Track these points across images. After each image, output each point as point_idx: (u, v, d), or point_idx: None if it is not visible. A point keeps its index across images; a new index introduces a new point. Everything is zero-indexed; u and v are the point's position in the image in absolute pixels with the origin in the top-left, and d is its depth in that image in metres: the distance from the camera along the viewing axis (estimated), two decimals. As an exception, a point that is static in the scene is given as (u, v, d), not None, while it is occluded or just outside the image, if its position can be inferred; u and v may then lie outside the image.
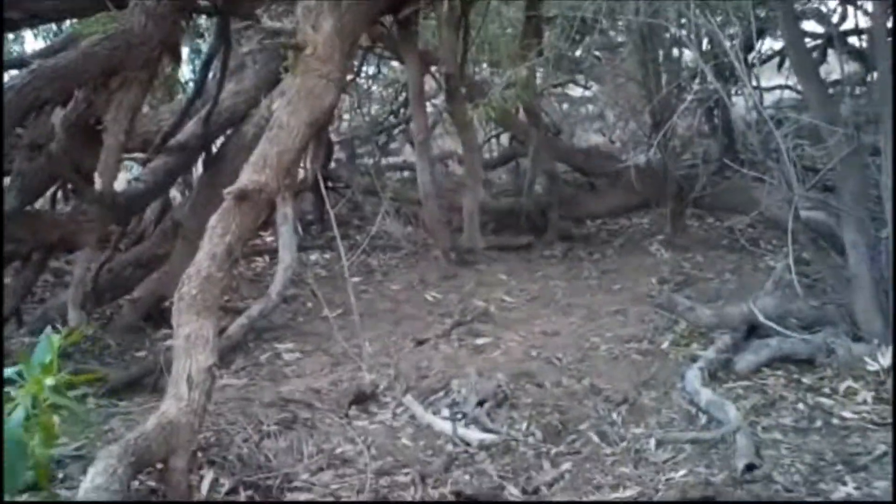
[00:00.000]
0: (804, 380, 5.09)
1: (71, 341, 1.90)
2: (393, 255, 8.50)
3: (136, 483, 4.08)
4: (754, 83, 7.66)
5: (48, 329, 2.06)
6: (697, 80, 8.26)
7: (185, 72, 8.65)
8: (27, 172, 5.43)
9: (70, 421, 1.94)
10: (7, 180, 5.61)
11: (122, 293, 6.63)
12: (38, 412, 1.82)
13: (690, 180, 8.37)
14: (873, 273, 5.22)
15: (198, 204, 6.40)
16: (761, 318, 5.37)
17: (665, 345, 5.76)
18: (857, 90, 8.30)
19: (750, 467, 4.10)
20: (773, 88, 10.27)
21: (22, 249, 5.64)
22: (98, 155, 5.40)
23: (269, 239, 8.90)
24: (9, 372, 1.93)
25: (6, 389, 1.84)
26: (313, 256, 8.60)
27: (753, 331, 5.56)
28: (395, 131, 11.10)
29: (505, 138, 11.09)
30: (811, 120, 5.52)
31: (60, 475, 4.39)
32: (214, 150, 6.65)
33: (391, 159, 11.18)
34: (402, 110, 10.70)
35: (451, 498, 4.09)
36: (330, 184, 7.23)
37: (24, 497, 3.81)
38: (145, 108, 6.17)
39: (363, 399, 5.17)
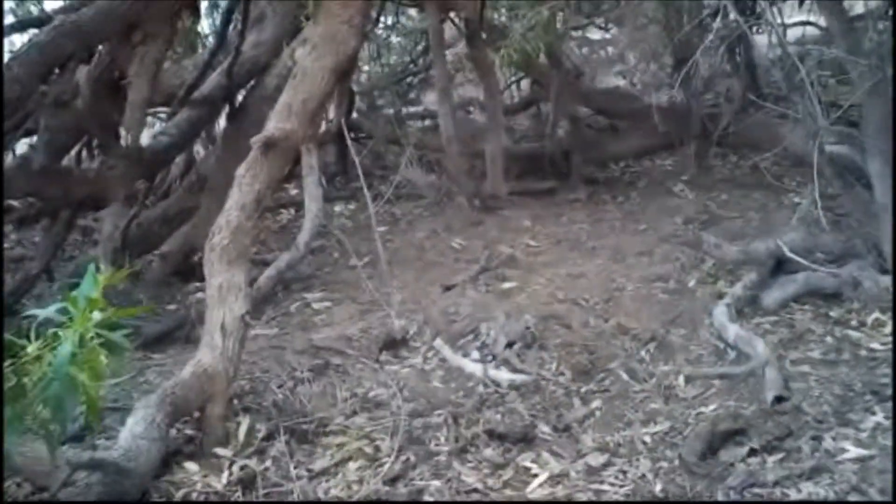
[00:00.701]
0: (831, 313, 5.10)
1: (114, 281, 1.93)
2: (417, 204, 8.50)
3: (173, 431, 4.18)
4: (777, 19, 7.54)
5: (91, 267, 2.08)
6: (719, 18, 8.23)
7: (205, 25, 8.63)
8: (53, 129, 5.46)
9: (115, 360, 1.97)
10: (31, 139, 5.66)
11: (151, 248, 6.68)
12: (83, 350, 1.85)
13: (714, 119, 8.30)
14: (899, 204, 5.20)
15: (223, 156, 6.42)
16: (788, 253, 5.36)
17: (692, 283, 5.78)
18: (881, 24, 8.21)
19: (779, 399, 4.14)
20: (796, 24, 10.13)
21: (51, 206, 5.69)
22: (123, 110, 5.43)
23: (293, 192, 8.93)
24: (49, 311, 1.96)
25: (51, 329, 1.88)
26: (338, 208, 8.62)
27: (780, 266, 5.55)
28: (415, 80, 11.04)
29: (525, 84, 11.02)
30: (835, 53, 5.48)
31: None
32: (237, 102, 6.66)
33: (411, 109, 11.14)
34: (421, 59, 10.64)
35: (483, 437, 4.14)
36: (352, 134, 7.21)
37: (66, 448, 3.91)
38: (167, 63, 6.18)
39: (394, 344, 5.23)
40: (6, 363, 1.87)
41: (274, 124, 4.51)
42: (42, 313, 1.93)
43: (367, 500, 3.68)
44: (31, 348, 1.88)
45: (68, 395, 1.82)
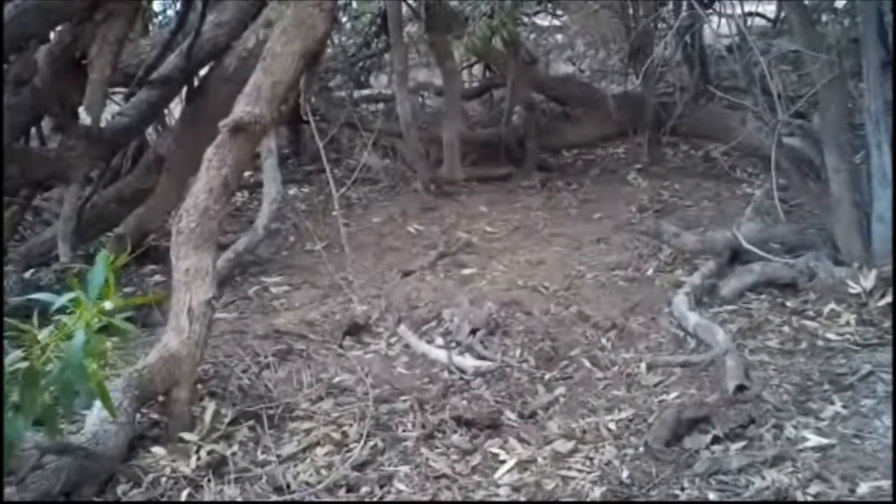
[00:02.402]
0: (788, 303, 5.19)
1: (118, 264, 1.92)
2: (372, 188, 8.50)
3: (138, 416, 4.14)
4: (738, 10, 7.63)
5: (104, 253, 2.06)
6: (671, 4, 8.31)
7: (155, 5, 8.50)
8: (13, 108, 5.37)
9: (124, 348, 1.97)
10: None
11: (106, 229, 6.59)
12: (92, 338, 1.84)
13: (667, 108, 8.40)
14: (854, 197, 5.30)
15: (181, 137, 6.35)
16: (744, 244, 5.44)
17: (650, 271, 5.85)
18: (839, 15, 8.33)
19: (740, 388, 4.20)
20: (748, 16, 10.26)
21: (9, 186, 5.59)
22: (83, 89, 5.35)
23: (247, 174, 8.86)
24: (48, 298, 1.95)
25: (56, 316, 1.86)
26: (292, 191, 8.58)
27: (737, 256, 5.64)
28: (367, 62, 11.00)
29: (478, 69, 11.05)
30: (793, 46, 5.56)
31: (62, 411, 4.44)
32: (196, 83, 6.59)
33: (364, 91, 11.09)
34: (374, 41, 10.60)
35: (450, 423, 4.17)
36: (306, 117, 7.17)
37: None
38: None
39: (357, 330, 5.23)
40: (19, 350, 1.85)
41: (242, 108, 4.46)
42: (49, 298, 1.91)
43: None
44: (43, 336, 1.87)
45: (80, 383, 1.81)
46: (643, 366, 4.66)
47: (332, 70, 10.15)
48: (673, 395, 4.33)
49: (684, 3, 7.27)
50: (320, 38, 4.62)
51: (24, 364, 1.86)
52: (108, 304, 1.87)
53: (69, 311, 1.97)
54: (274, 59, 4.54)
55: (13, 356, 1.85)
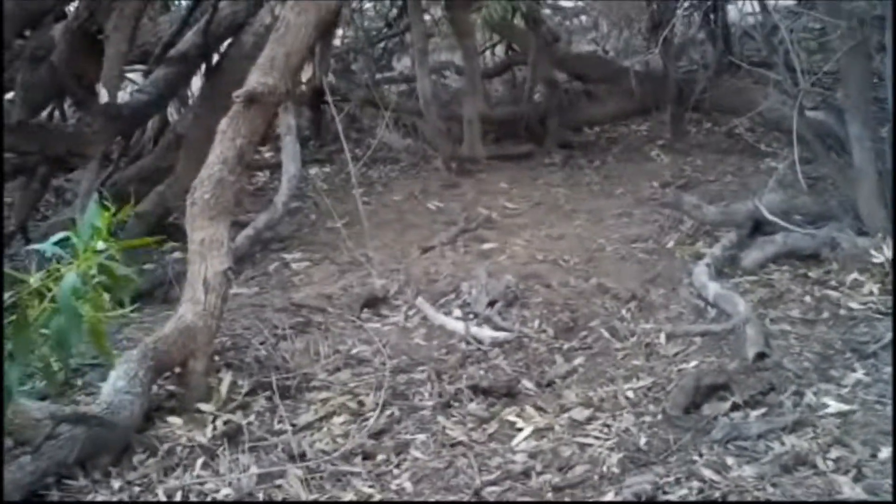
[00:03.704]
0: (810, 274, 5.13)
1: (121, 217, 1.90)
2: (393, 167, 8.47)
3: (155, 387, 4.15)
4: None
5: (96, 196, 2.05)
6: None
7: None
8: (30, 84, 5.38)
9: (121, 292, 1.95)
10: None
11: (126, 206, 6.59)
12: (87, 283, 1.82)
13: (689, 84, 8.32)
14: (877, 167, 5.23)
15: (199, 115, 6.36)
16: (766, 215, 5.39)
17: (670, 244, 5.80)
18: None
19: (761, 355, 4.17)
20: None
21: (28, 162, 5.61)
22: (100, 66, 5.36)
23: (267, 154, 8.89)
24: (44, 246, 1.93)
25: (53, 266, 1.85)
26: (313, 170, 8.56)
27: (758, 228, 5.58)
28: (389, 44, 10.97)
29: (500, 50, 10.99)
30: (815, 15, 5.49)
31: (79, 382, 4.47)
32: (214, 60, 6.58)
33: (385, 74, 11.07)
34: (395, 23, 10.57)
35: (467, 392, 4.15)
36: (327, 97, 7.17)
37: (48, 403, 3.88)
38: (143, 20, 6.09)
39: (375, 303, 5.23)
40: (9, 294, 1.83)
41: (256, 78, 4.46)
42: (45, 247, 1.90)
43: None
44: (33, 280, 1.84)
45: (73, 328, 1.78)
46: (662, 336, 4.62)
47: (354, 51, 10.13)
48: (692, 364, 4.29)
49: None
50: (333, 9, 4.61)
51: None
52: (100, 245, 1.84)
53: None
54: (287, 30, 4.53)
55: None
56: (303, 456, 3.72)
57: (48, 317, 1.80)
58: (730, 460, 3.49)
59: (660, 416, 3.87)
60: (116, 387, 3.82)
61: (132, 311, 4.89)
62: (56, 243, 1.92)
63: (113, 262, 1.89)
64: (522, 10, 6.57)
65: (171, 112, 8.43)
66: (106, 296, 1.92)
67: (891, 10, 4.91)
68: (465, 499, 3.46)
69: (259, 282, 5.85)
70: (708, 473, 3.41)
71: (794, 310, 4.75)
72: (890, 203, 5.10)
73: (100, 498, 3.53)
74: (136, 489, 3.59)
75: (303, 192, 7.50)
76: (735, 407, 3.86)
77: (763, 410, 3.82)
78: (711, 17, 9.55)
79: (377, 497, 3.50)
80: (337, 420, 4.02)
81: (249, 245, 6.09)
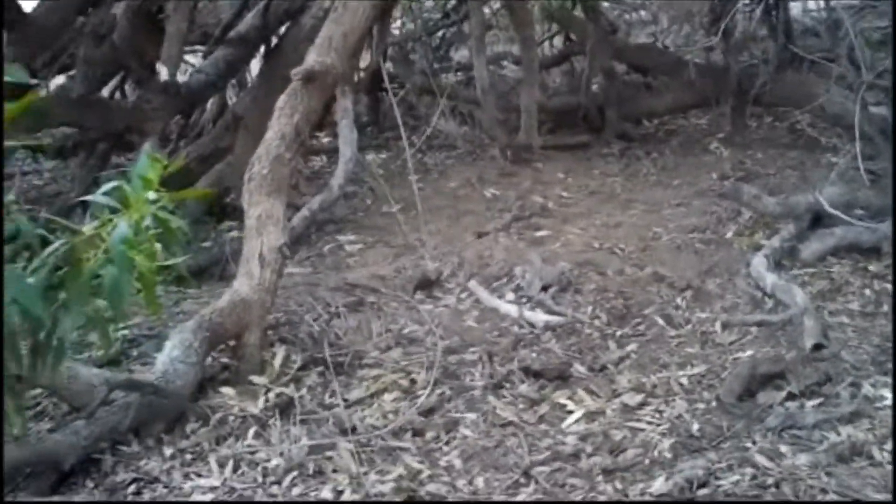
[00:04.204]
0: (870, 267, 5.05)
1: (172, 169, 1.91)
2: (448, 155, 8.46)
3: (209, 360, 4.19)
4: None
5: (147, 146, 2.07)
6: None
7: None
8: (91, 61, 5.45)
9: (172, 242, 1.95)
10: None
11: (186, 186, 6.64)
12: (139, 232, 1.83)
13: (750, 77, 8.22)
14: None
15: (258, 96, 6.40)
16: (827, 207, 5.30)
17: (728, 234, 5.73)
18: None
19: (818, 346, 4.11)
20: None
21: (88, 137, 5.68)
22: (160, 44, 5.41)
23: (325, 139, 8.92)
24: (95, 197, 1.94)
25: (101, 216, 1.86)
26: (370, 156, 8.58)
27: (818, 221, 5.49)
28: (448, 33, 10.95)
29: (558, 42, 10.94)
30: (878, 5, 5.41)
31: (135, 353, 4.53)
32: (273, 42, 6.62)
33: (443, 64, 11.06)
34: (453, 12, 10.55)
35: (518, 374, 4.14)
36: (385, 83, 7.18)
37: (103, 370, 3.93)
38: (203, 1, 6.15)
39: (428, 284, 5.22)
40: (59, 242, 1.84)
41: (314, 57, 4.48)
42: (96, 198, 1.90)
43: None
44: (86, 229, 1.85)
45: (124, 277, 1.78)
46: (718, 325, 4.57)
47: (412, 40, 10.13)
48: (748, 353, 4.25)
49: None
50: (392, -9, 4.61)
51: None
52: (151, 195, 1.85)
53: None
54: (345, 10, 4.55)
55: (54, 247, 1.83)
56: (353, 430, 3.74)
57: (101, 265, 1.81)
58: (784, 448, 3.45)
59: (713, 404, 3.84)
60: (171, 356, 3.87)
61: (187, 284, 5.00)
62: (107, 193, 1.91)
63: (166, 212, 1.88)
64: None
65: (230, 95, 8.52)
66: (158, 246, 1.91)
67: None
68: (514, 478, 3.45)
69: (313, 262, 5.88)
70: (761, 460, 3.37)
71: (853, 302, 4.69)
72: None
73: (152, 463, 3.58)
74: (188, 457, 3.64)
75: (359, 176, 7.50)
76: (790, 396, 3.81)
77: (819, 401, 3.78)
78: (773, 12, 9.47)
79: (426, 473, 3.50)
80: (388, 397, 4.03)
81: (305, 226, 6.11)
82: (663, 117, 9.08)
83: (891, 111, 4.90)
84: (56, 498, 3.35)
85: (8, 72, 1.82)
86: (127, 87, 7.22)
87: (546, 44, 10.79)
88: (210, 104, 7.56)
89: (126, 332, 4.67)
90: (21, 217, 1.79)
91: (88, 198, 2.01)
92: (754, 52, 9.52)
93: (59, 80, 6.28)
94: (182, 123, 6.42)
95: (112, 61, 5.73)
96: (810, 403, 3.76)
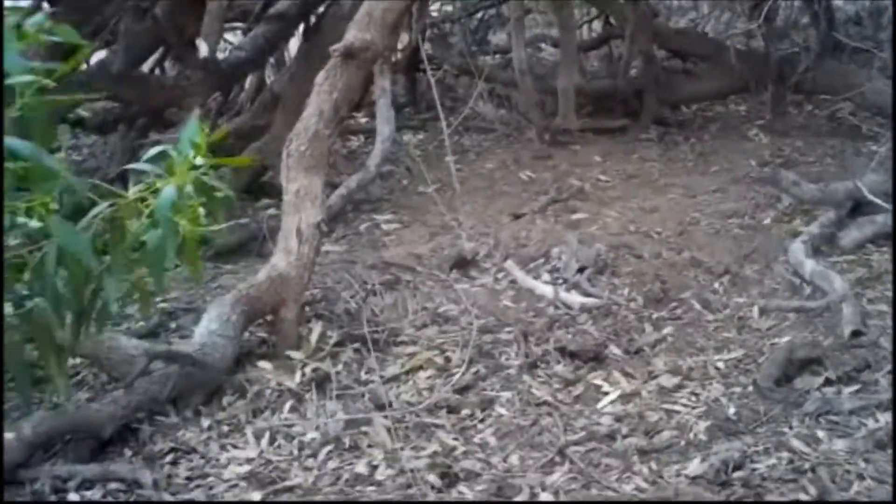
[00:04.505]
0: (910, 255, 5.00)
1: (216, 138, 1.91)
2: (485, 137, 8.42)
3: (246, 334, 4.22)
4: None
5: (196, 112, 2.07)
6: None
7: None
8: (132, 35, 5.48)
9: (216, 207, 1.96)
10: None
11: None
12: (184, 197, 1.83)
13: (791, 64, 8.15)
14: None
15: (296, 74, 6.40)
16: (867, 195, 5.25)
17: (767, 220, 5.68)
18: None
19: (856, 333, 4.08)
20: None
21: (128, 112, 5.72)
22: (201, 20, 5.43)
23: (362, 119, 8.92)
24: (140, 165, 1.95)
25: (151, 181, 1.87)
26: (406, 137, 8.56)
27: (858, 208, 5.43)
28: (486, 15, 10.92)
29: (597, 26, 10.88)
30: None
31: (173, 325, 4.57)
32: (313, 20, 6.62)
33: (481, 46, 11.03)
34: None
35: (554, 354, 4.14)
36: (423, 61, 7.16)
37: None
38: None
39: (464, 264, 5.22)
40: (105, 205, 1.85)
41: (353, 34, 4.48)
42: (143, 167, 1.92)
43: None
44: (131, 192, 1.87)
45: (169, 240, 1.80)
46: (755, 310, 4.55)
47: (451, 21, 10.12)
48: (785, 338, 4.23)
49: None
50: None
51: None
52: (198, 160, 1.85)
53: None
54: (386, -14, 4.53)
55: (99, 209, 1.84)
56: (389, 406, 3.76)
57: (144, 230, 1.82)
58: (821, 433, 3.45)
59: (750, 388, 3.83)
60: (210, 329, 3.91)
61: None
62: (151, 160, 1.93)
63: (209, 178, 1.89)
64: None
65: (268, 75, 8.54)
66: (201, 211, 1.92)
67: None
68: (549, 456, 3.46)
69: (350, 240, 5.89)
70: (798, 445, 3.37)
71: (891, 290, 4.63)
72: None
73: (190, 434, 3.62)
74: (225, 428, 3.67)
75: (396, 156, 7.51)
76: (828, 382, 3.80)
77: (857, 387, 3.77)
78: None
79: (461, 449, 3.51)
80: (423, 374, 4.05)
81: (341, 205, 6.12)
82: (702, 103, 8.99)
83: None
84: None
85: (59, 33, 1.83)
86: (166, 65, 7.25)
87: (584, 27, 10.76)
88: (248, 82, 7.58)
89: (165, 305, 4.72)
90: (71, 176, 1.80)
91: (132, 166, 2.02)
92: (795, 39, 9.45)
93: (101, 55, 6.31)
94: (221, 101, 6.42)
95: (153, 36, 5.76)
96: (848, 390, 3.75)
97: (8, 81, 1.66)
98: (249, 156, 6.43)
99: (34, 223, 1.74)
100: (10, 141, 1.67)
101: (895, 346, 3.93)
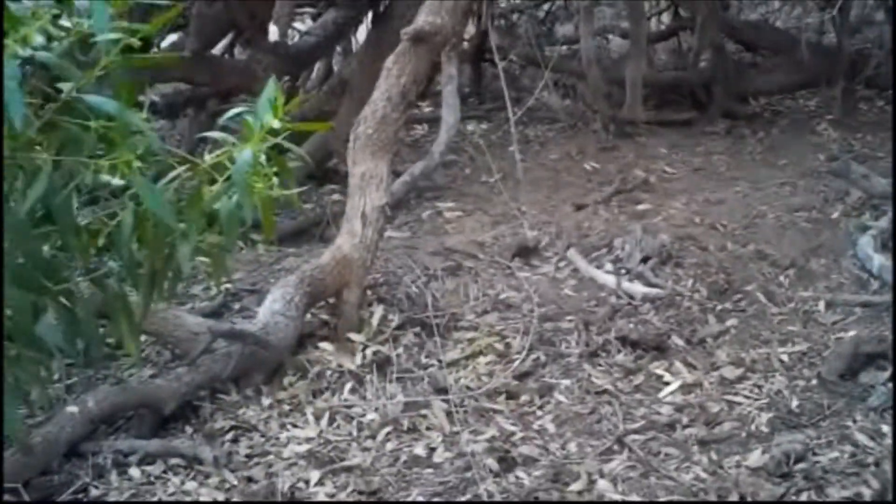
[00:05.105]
0: (980, 252, 4.89)
1: (292, 108, 1.93)
2: (550, 128, 8.40)
3: (308, 316, 4.25)
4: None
5: (273, 77, 2.08)
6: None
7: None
8: (205, 18, 5.54)
9: (287, 174, 1.98)
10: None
11: (289, 149, 6.74)
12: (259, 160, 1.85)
13: (863, 59, 8.02)
14: None
15: (364, 60, 6.43)
16: (938, 190, 5.15)
17: (835, 214, 5.59)
18: None
19: (927, 327, 4.00)
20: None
21: (199, 94, 5.78)
22: (272, 5, 5.47)
23: (427, 109, 8.94)
24: (215, 133, 1.98)
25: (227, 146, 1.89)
26: (470, 126, 8.56)
27: (929, 204, 5.34)
28: (553, 6, 10.88)
29: (666, 18, 10.79)
30: None
31: (236, 306, 4.62)
32: (382, 6, 6.65)
33: (548, 38, 10.98)
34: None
35: (615, 343, 4.12)
36: (492, 48, 7.15)
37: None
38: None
39: (526, 252, 5.22)
40: (181, 168, 1.88)
41: (424, 17, 4.48)
42: (218, 135, 1.94)
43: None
44: (208, 157, 1.89)
45: (245, 201, 1.82)
46: (822, 304, 4.49)
47: (518, 11, 10.09)
48: (851, 333, 4.17)
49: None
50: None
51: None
52: (276, 123, 1.87)
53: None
54: (457, -28, 4.53)
55: (176, 173, 1.87)
56: (448, 390, 3.77)
57: (219, 194, 1.84)
58: (885, 428, 3.39)
59: (814, 381, 3.80)
60: (273, 309, 3.94)
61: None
62: (231, 118, 1.95)
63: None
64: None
65: (336, 62, 8.59)
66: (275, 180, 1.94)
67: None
68: (608, 444, 3.45)
69: (412, 227, 5.91)
70: (862, 439, 3.33)
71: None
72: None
73: (250, 412, 3.66)
74: (286, 407, 3.72)
75: (459, 146, 7.52)
76: (894, 377, 3.72)
77: (924, 382, 3.68)
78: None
79: (519, 435, 3.52)
80: (483, 360, 4.06)
81: (405, 191, 6.15)
82: (771, 97, 8.87)
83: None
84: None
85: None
86: (236, 50, 7.32)
87: (653, 19, 10.67)
88: (316, 68, 7.63)
89: (229, 285, 4.77)
90: (154, 136, 1.83)
91: (209, 133, 2.05)
92: (868, 34, 9.29)
93: (173, 38, 6.39)
94: (290, 85, 6.47)
95: (225, 19, 5.81)
96: (915, 385, 3.68)
97: (94, 39, 1.69)
98: (315, 142, 6.48)
99: (117, 181, 1.77)
100: (94, 98, 1.70)
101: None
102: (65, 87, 1.71)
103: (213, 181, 1.86)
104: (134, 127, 1.76)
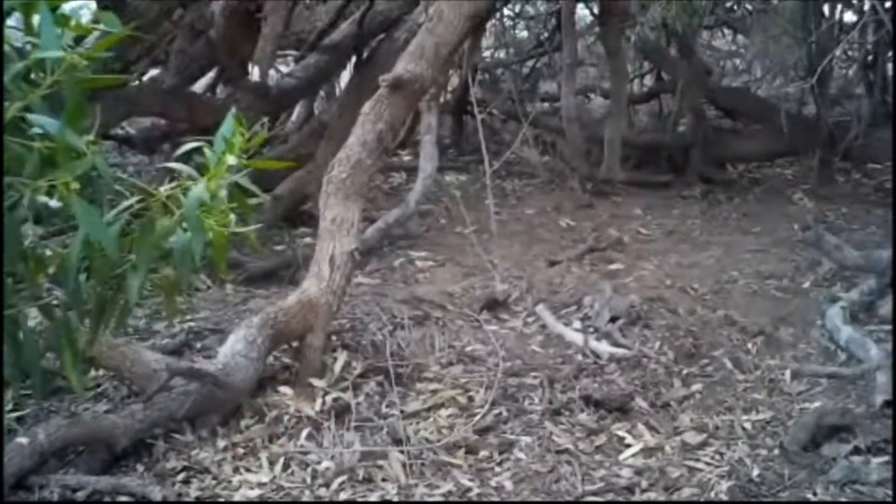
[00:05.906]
0: (951, 330, 4.89)
1: (256, 142, 1.90)
2: (528, 182, 8.44)
3: (271, 359, 4.20)
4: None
5: (234, 110, 2.05)
6: (856, 33, 8.01)
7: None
8: (185, 54, 5.54)
9: (246, 209, 1.94)
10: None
11: (265, 189, 6.71)
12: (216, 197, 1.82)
13: (841, 131, 8.10)
14: None
15: (345, 105, 6.44)
16: (910, 265, 5.16)
17: (806, 284, 5.61)
18: None
19: (888, 403, 3.97)
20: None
21: (175, 130, 5.76)
22: (255, 44, 5.47)
23: (406, 157, 8.96)
24: (174, 164, 1.94)
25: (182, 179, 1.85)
26: (448, 178, 8.59)
27: (900, 278, 5.35)
28: (538, 63, 10.96)
29: (649, 81, 10.89)
30: None
31: (198, 345, 4.56)
32: (366, 53, 6.67)
33: (530, 94, 11.05)
34: (546, 43, 10.55)
35: (579, 402, 4.08)
36: (472, 100, 7.18)
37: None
38: (299, 7, 6.23)
39: (495, 305, 5.19)
40: (133, 199, 1.84)
41: (404, 65, 4.49)
42: (177, 166, 1.91)
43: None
44: (163, 189, 1.86)
45: (196, 238, 1.78)
46: (788, 373, 4.47)
47: (503, 65, 10.16)
48: (816, 403, 4.14)
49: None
50: (488, 5, 4.60)
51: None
52: (231, 160, 1.84)
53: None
54: (440, 20, 4.54)
55: (127, 203, 1.83)
56: (406, 441, 3.71)
57: (173, 226, 1.81)
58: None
59: (776, 451, 3.75)
60: (234, 349, 3.89)
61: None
62: (183, 155, 1.92)
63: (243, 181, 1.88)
64: (678, 26, 6.38)
65: (317, 106, 8.59)
66: (232, 217, 1.90)
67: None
68: (565, 505, 3.39)
69: (383, 274, 5.89)
70: (820, 512, 3.28)
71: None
72: None
73: (204, 454, 3.59)
74: (240, 451, 3.64)
75: (436, 196, 7.53)
76: (857, 451, 3.69)
77: (886, 458, 3.64)
78: (871, 69, 9.32)
79: (476, 491, 3.46)
80: (444, 412, 4.00)
81: (378, 238, 6.14)
82: (749, 163, 8.96)
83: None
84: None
85: (101, 18, 1.83)
86: (219, 89, 7.32)
87: (636, 81, 10.76)
88: (297, 110, 7.63)
89: (192, 324, 4.72)
90: (100, 159, 1.78)
91: (167, 164, 2.02)
92: (847, 107, 9.40)
93: (153, 73, 6.39)
94: (268, 126, 6.45)
95: (206, 56, 5.81)
96: (876, 460, 3.63)
97: (40, 55, 1.66)
98: (291, 184, 6.47)
99: (54, 202, 1.72)
100: (38, 118, 1.66)
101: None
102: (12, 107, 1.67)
103: (169, 212, 1.83)
104: (77, 149, 1.72)
